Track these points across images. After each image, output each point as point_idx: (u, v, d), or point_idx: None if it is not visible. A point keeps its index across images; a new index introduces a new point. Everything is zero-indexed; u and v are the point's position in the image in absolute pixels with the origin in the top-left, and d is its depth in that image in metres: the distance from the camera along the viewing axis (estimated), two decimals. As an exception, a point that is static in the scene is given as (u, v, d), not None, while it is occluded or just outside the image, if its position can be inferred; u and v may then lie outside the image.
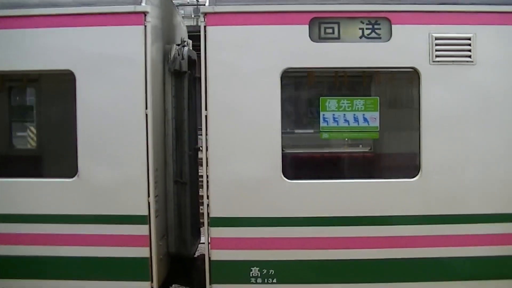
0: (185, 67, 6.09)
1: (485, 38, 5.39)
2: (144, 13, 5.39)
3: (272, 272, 5.48)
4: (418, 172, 5.42)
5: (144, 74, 5.39)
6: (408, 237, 5.45)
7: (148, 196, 5.45)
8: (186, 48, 6.20)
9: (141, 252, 5.48)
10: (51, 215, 5.51)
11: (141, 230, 5.44)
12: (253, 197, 5.44)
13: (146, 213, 5.44)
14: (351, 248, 5.42)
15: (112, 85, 5.42)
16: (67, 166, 5.60)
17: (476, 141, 5.41)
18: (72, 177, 5.46)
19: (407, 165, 5.65)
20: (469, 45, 5.39)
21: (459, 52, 5.39)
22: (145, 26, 5.38)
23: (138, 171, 5.42)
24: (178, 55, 5.94)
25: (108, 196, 5.46)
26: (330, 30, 5.39)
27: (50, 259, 5.55)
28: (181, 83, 6.08)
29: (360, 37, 5.39)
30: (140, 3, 5.40)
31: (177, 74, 5.95)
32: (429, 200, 5.42)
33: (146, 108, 5.41)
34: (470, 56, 5.38)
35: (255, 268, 5.47)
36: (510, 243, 5.52)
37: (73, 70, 5.42)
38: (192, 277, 6.12)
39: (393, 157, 6.21)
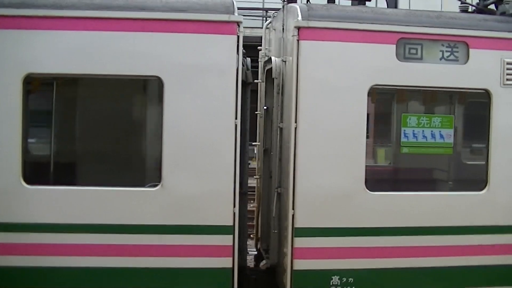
0: (250, 78, 6.62)
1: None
2: (238, 23, 5.89)
3: (351, 280, 6.18)
4: (486, 185, 6.35)
5: (235, 84, 5.90)
6: (465, 245, 6.32)
7: (234, 206, 5.99)
8: (248, 59, 6.73)
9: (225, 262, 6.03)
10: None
11: (226, 240, 5.99)
12: (337, 208, 6.05)
13: (231, 224, 5.98)
14: (428, 256, 6.26)
15: (201, 94, 5.89)
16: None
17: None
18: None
19: (477, 179, 6.57)
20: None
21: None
22: (238, 36, 5.90)
23: (226, 181, 5.91)
24: (243, 65, 6.48)
25: (195, 206, 5.93)
26: (414, 51, 6.21)
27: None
28: (245, 93, 6.61)
29: (440, 59, 6.26)
30: (233, 13, 5.92)
31: (243, 85, 6.51)
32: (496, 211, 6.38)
33: (236, 119, 5.94)
34: None
35: (335, 276, 6.15)
36: None
37: (161, 77, 5.83)
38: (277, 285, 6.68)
39: (464, 171, 7.10)
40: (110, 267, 5.87)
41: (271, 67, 6.65)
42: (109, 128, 6.18)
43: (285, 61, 6.51)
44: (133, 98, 6.39)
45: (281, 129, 6.48)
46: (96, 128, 6.26)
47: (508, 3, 6.89)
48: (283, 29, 6.63)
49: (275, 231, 6.63)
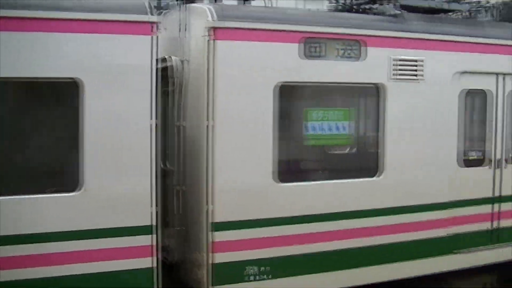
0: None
1: (432, 61, 7.66)
2: (154, 24, 6.25)
3: (268, 269, 6.93)
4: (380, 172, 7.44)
5: (152, 85, 6.25)
6: (376, 227, 7.43)
7: (152, 206, 6.34)
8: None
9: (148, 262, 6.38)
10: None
11: (147, 240, 6.39)
12: (251, 200, 6.69)
13: (151, 223, 6.38)
14: (333, 240, 7.20)
15: (120, 94, 6.16)
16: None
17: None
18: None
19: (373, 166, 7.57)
20: (422, 65, 7.59)
21: (411, 72, 7.57)
22: (154, 36, 6.30)
23: (144, 181, 6.24)
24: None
25: (116, 208, 6.24)
26: (315, 49, 7.02)
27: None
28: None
29: (339, 56, 7.16)
30: (149, 13, 6.23)
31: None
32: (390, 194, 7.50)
33: (151, 119, 6.31)
34: (422, 75, 7.59)
35: (253, 266, 6.84)
36: (447, 226, 7.94)
37: (80, 78, 5.99)
38: (181, 281, 7.17)
39: (361, 159, 8.12)
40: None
41: (166, 66, 7.04)
42: (22, 134, 6.27)
43: (185, 61, 6.95)
44: (50, 101, 6.51)
45: (181, 127, 6.97)
46: (8, 134, 6.30)
47: (385, 4, 8.06)
48: (180, 28, 7.09)
49: (179, 228, 7.16)
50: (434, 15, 8.40)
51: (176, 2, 7.54)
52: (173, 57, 7.01)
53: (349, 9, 8.61)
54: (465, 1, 8.96)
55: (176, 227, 7.10)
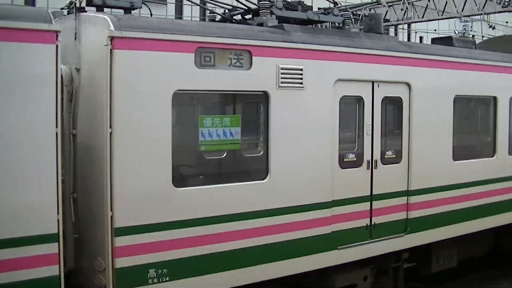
0: None
1: (313, 69, 8.50)
2: (56, 32, 6.56)
3: (165, 271, 7.40)
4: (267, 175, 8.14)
5: (55, 93, 6.50)
6: (266, 227, 8.12)
7: (58, 213, 6.63)
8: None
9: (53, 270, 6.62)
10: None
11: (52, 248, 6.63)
12: (151, 205, 7.13)
13: (56, 231, 6.64)
14: (227, 241, 7.80)
15: (25, 103, 6.37)
16: None
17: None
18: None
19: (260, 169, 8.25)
20: (304, 74, 8.43)
21: (295, 80, 8.38)
22: (57, 45, 6.56)
23: (48, 189, 6.50)
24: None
25: (19, 218, 6.43)
26: (208, 59, 7.64)
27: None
28: None
29: (229, 65, 7.81)
30: (51, 22, 6.52)
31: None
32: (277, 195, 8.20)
33: (57, 127, 6.60)
34: (303, 83, 8.44)
35: (152, 270, 7.29)
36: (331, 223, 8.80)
37: None
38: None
39: (250, 163, 8.73)
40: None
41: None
42: None
43: (78, 69, 7.32)
44: None
45: (73, 135, 7.32)
46: None
47: (265, 16, 8.87)
48: (75, 37, 7.41)
49: (75, 236, 7.45)
50: (314, 26, 9.33)
51: (66, 11, 7.96)
52: (63, 66, 7.31)
53: (229, 19, 9.38)
54: (338, 13, 9.97)
55: (73, 234, 7.39)
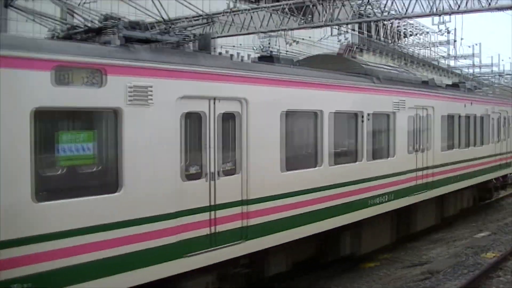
0: None
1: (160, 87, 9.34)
2: None
3: (31, 285, 7.78)
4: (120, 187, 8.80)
5: None
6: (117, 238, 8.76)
7: None
8: None
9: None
10: None
11: None
12: (13, 221, 7.54)
13: None
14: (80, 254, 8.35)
15: None
16: None
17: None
18: None
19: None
20: (151, 91, 9.25)
21: (143, 97, 9.16)
22: None
23: None
24: None
25: None
26: (64, 77, 8.21)
27: None
28: None
29: (84, 83, 8.44)
30: None
31: None
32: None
33: None
34: (152, 100, 9.23)
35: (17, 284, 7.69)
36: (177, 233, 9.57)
37: None
38: None
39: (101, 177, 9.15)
40: None
41: None
42: None
43: None
44: None
45: None
46: None
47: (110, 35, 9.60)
48: None
49: None
50: (156, 46, 10.21)
51: None
52: None
53: (68, 37, 9.98)
54: (175, 33, 10.94)
55: None
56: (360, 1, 30.24)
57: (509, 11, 25.38)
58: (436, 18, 25.42)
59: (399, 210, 17.13)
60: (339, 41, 32.70)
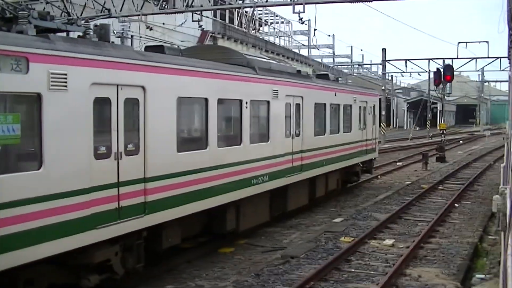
0: None
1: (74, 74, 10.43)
2: None
3: None
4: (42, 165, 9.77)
5: None
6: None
7: None
8: None
9: None
10: None
11: None
12: None
13: None
14: None
15: None
16: None
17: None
18: None
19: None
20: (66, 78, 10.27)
21: (61, 83, 10.20)
22: None
23: None
24: None
25: None
26: (-4, 64, 9.07)
27: None
28: None
29: (11, 70, 9.36)
30: None
31: None
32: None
33: None
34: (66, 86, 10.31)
35: None
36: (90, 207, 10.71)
37: None
38: None
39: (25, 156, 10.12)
40: None
41: None
42: None
43: None
44: None
45: None
46: None
47: (24, 25, 10.59)
48: None
49: None
50: (71, 37, 11.26)
51: None
52: None
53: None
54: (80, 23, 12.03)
55: None
56: None
57: (368, 3, 26.18)
58: (296, 7, 25.77)
59: (276, 190, 18.92)
60: (200, 26, 32.66)
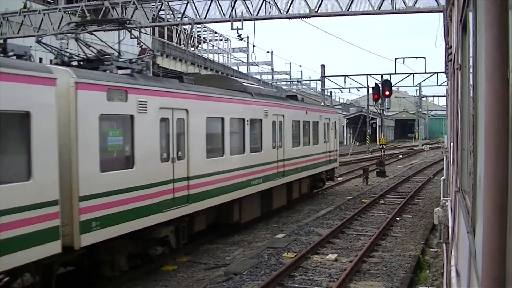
0: None
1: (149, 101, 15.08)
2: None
3: None
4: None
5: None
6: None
7: None
8: None
9: None
10: None
11: None
12: None
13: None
14: None
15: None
16: None
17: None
18: None
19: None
20: (146, 104, 14.95)
21: (143, 108, 14.83)
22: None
23: None
24: None
25: None
26: (111, 95, 13.63)
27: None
28: None
29: (118, 99, 13.93)
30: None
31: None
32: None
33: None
34: (146, 110, 14.96)
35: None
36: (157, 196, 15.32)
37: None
38: None
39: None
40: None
41: None
42: None
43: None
44: None
45: None
46: None
47: (109, 65, 15.11)
48: None
49: None
50: (144, 74, 16.05)
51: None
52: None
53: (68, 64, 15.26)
54: (139, 63, 16.68)
55: None
56: (156, 5, 30.36)
57: (305, 19, 27.67)
58: (235, 24, 27.73)
59: (265, 191, 24.21)
60: (139, 43, 33.64)
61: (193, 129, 17.47)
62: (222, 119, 19.90)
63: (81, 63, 15.38)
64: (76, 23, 21.05)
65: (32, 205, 11.31)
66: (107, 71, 14.81)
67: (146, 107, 14.93)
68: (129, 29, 20.34)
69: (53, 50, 16.03)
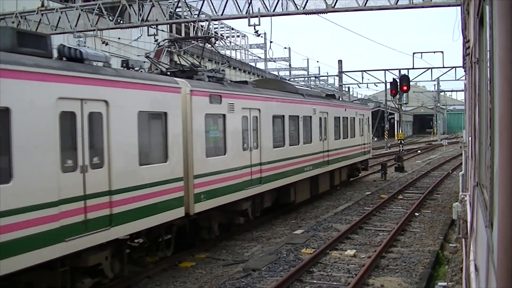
0: None
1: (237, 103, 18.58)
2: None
3: None
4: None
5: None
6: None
7: None
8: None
9: None
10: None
11: None
12: None
13: None
14: None
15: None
16: None
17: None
18: None
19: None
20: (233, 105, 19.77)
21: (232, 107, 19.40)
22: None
23: None
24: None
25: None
26: (212, 99, 17.04)
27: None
28: None
29: (213, 102, 17.50)
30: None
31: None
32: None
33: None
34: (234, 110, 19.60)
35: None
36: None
37: None
38: None
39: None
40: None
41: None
42: None
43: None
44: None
45: None
46: None
47: (202, 74, 19.11)
48: None
49: None
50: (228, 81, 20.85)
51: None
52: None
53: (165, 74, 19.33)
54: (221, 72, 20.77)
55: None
56: (172, 2, 30.61)
57: (322, 15, 27.53)
58: (251, 20, 27.53)
59: (313, 177, 28.65)
60: (156, 41, 31.94)
61: (264, 124, 22.28)
62: (283, 116, 24.60)
63: (176, 73, 19.61)
64: (169, 40, 27.21)
65: (169, 180, 15.75)
66: (201, 80, 19.01)
67: (233, 108, 19.69)
68: (213, 44, 25.84)
69: (159, 64, 21.38)
